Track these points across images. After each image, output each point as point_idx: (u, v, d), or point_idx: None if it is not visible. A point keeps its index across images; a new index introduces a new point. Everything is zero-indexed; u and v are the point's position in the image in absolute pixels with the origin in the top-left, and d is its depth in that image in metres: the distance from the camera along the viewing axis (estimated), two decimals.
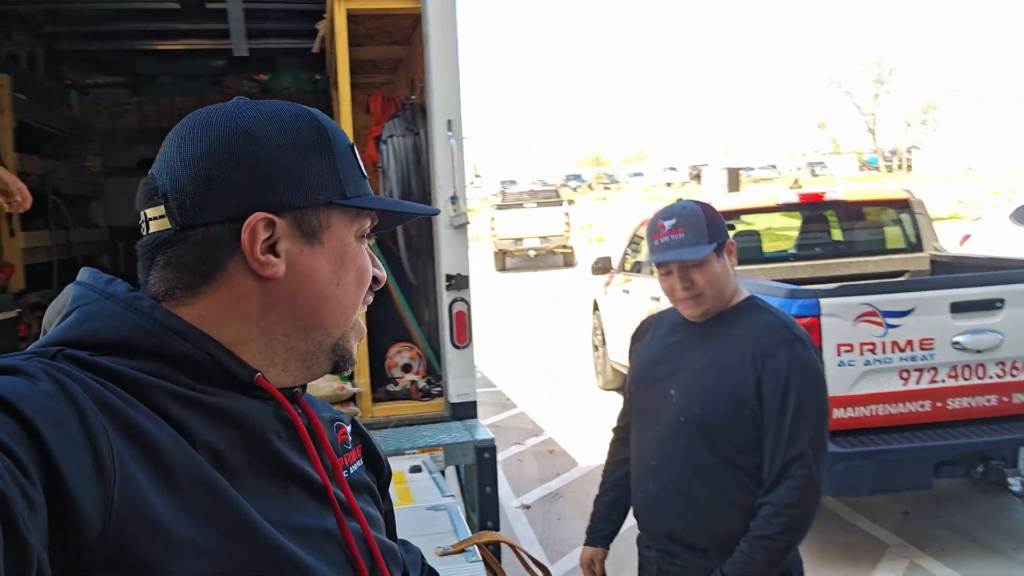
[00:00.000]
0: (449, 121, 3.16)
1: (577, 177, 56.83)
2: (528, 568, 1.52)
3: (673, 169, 54.94)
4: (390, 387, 3.52)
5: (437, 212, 0.99)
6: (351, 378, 3.41)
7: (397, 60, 4.45)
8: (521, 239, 18.99)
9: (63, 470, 0.59)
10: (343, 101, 3.30)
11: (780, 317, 1.87)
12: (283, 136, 0.80)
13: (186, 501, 0.66)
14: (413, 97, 3.83)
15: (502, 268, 19.83)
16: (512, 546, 1.62)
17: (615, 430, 2.14)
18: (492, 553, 1.88)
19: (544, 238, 19.00)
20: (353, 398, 3.36)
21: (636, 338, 2.11)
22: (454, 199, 3.16)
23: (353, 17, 3.54)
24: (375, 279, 0.87)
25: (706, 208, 1.86)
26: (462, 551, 1.93)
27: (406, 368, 3.59)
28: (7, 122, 4.37)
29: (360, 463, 0.94)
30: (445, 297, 3.20)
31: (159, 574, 0.64)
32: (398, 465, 2.70)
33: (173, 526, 0.65)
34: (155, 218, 0.77)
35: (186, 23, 5.58)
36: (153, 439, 0.67)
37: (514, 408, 7.40)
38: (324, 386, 3.32)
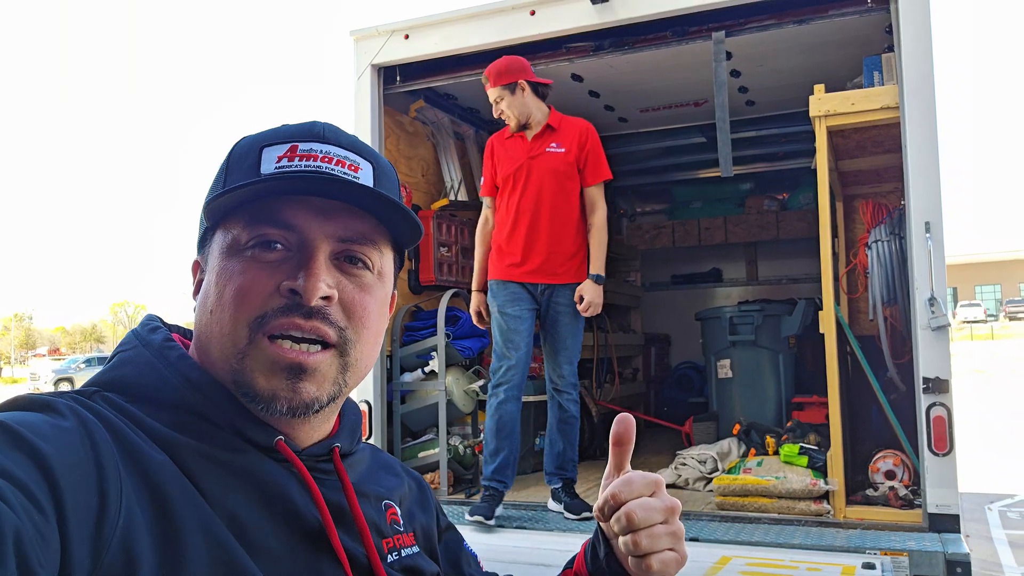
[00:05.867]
0: (927, 223, 3.14)
1: None
2: None
3: None
4: (869, 492, 3.47)
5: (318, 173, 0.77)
6: (825, 476, 3.46)
7: (898, 167, 4.46)
8: None
9: (67, 513, 0.58)
10: (822, 211, 3.52)
11: None
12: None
13: (188, 554, 0.65)
14: (904, 202, 3.82)
15: None
16: None
17: None
18: None
19: None
20: (826, 496, 3.40)
21: None
22: (932, 301, 3.09)
23: (840, 132, 3.77)
24: (292, 290, 0.75)
25: None
26: None
27: (889, 475, 3.49)
28: None
29: (415, 550, 0.90)
30: (923, 401, 3.10)
31: None
32: (852, 560, 2.71)
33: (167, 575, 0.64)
34: None
35: (714, 153, 6.35)
36: (166, 489, 0.66)
37: None
38: (796, 480, 3.45)
